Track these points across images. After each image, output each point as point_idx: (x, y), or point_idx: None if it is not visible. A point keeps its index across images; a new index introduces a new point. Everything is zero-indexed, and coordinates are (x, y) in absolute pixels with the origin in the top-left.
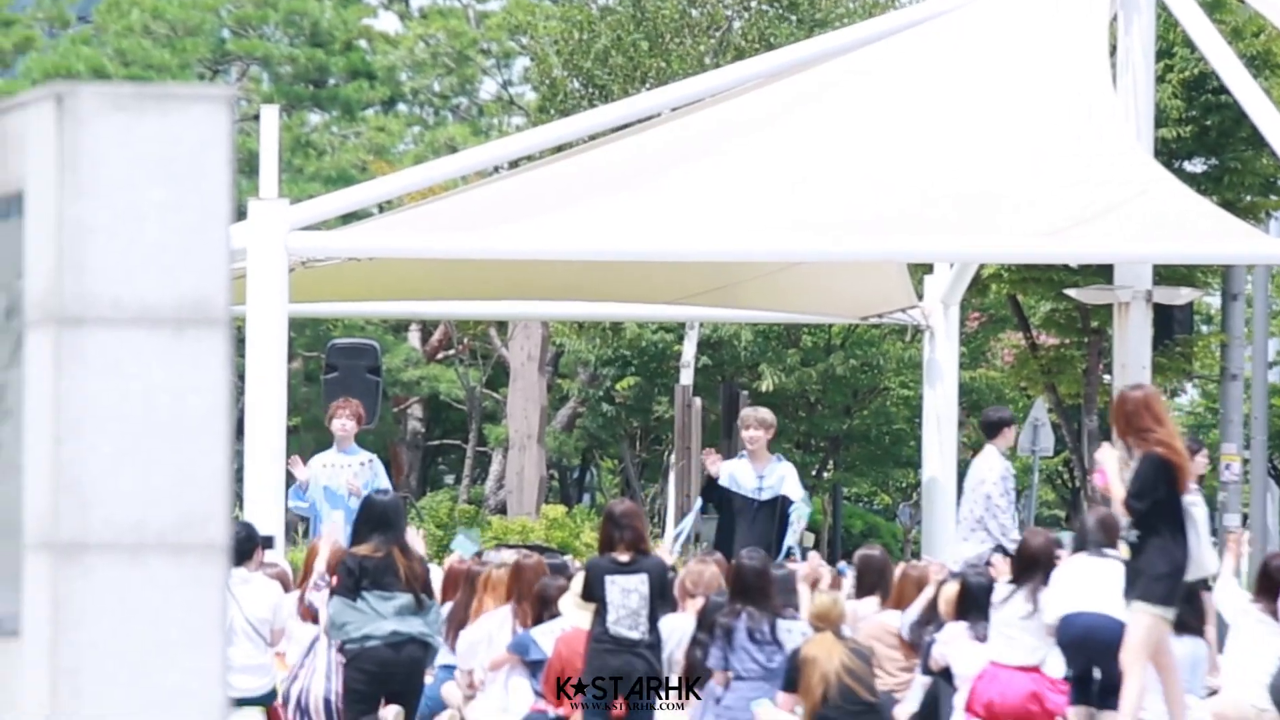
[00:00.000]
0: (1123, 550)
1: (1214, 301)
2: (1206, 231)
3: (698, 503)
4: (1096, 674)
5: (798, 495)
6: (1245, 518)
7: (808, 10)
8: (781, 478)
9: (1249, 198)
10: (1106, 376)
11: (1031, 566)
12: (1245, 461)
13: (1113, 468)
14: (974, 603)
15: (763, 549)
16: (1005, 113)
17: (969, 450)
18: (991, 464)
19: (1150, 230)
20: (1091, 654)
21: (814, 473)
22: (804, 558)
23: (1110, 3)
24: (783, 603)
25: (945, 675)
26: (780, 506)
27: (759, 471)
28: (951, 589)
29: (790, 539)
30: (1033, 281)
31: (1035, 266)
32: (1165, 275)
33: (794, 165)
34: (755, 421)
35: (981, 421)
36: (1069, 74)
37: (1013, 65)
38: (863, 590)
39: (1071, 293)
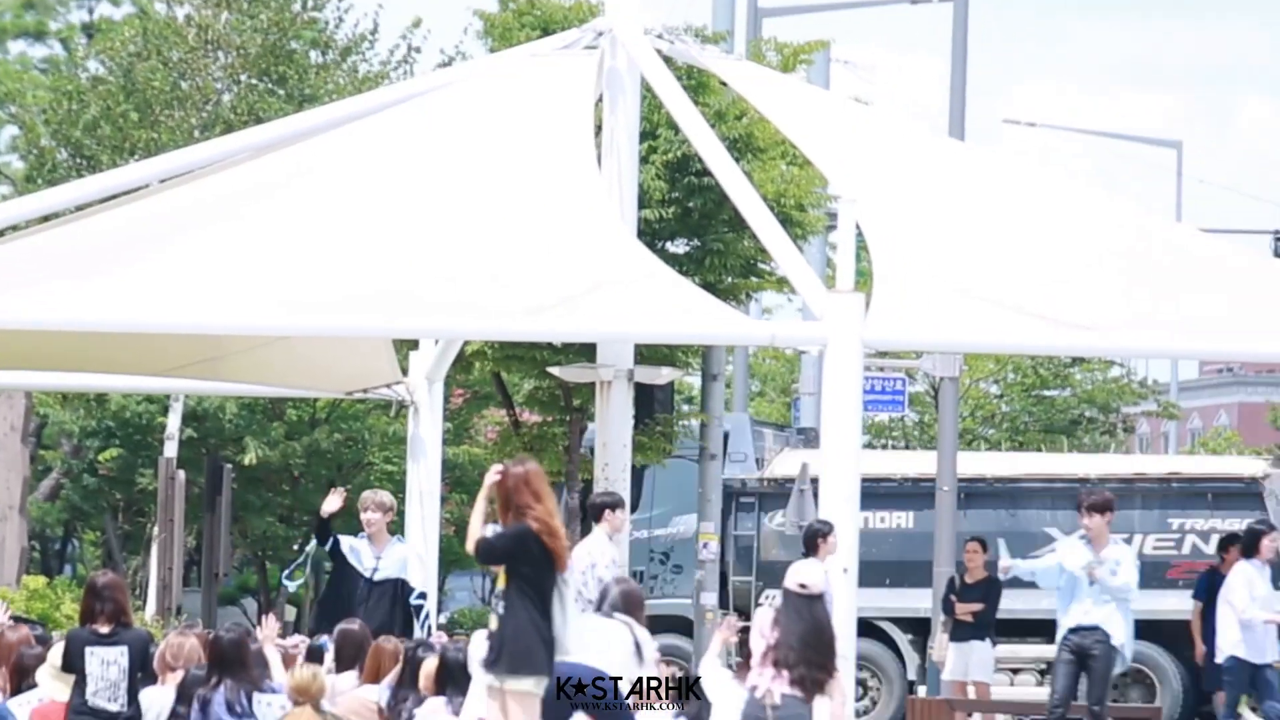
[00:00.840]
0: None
1: (695, 381)
2: (688, 312)
3: (312, 542)
4: None
5: (417, 582)
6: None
7: (296, 85)
8: (401, 561)
9: (730, 279)
10: (588, 454)
11: None
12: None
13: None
14: (451, 677)
15: (371, 629)
16: (492, 190)
17: (450, 525)
18: (603, 547)
19: (632, 310)
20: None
21: (296, 547)
22: None
23: (597, 83)
24: (260, 675)
25: None
26: (397, 591)
27: (376, 552)
28: (431, 663)
29: (419, 630)
30: (516, 359)
31: (519, 344)
32: (647, 355)
33: (281, 239)
34: (374, 504)
35: (588, 505)
36: (555, 153)
37: (501, 143)
38: (342, 664)
39: (554, 371)
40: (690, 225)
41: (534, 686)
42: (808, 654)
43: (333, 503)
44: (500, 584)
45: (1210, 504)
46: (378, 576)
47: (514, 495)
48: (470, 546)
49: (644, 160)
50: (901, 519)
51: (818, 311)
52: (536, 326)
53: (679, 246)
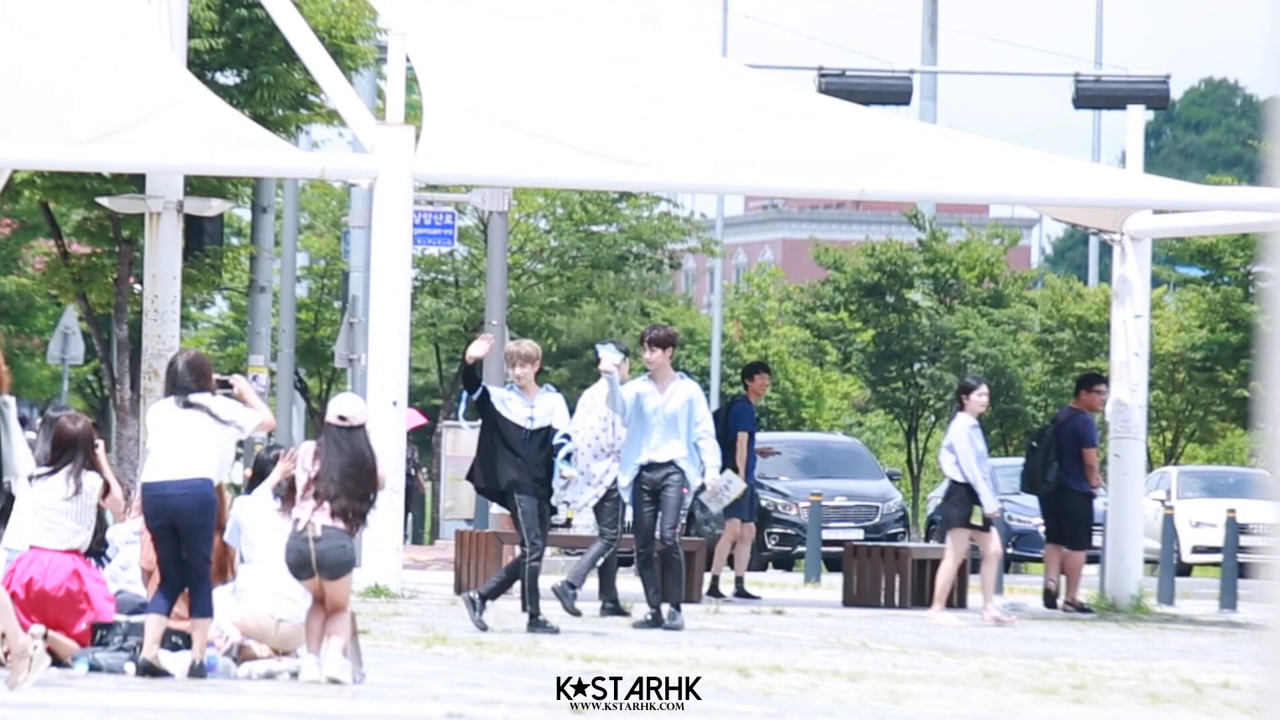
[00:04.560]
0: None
1: (244, 214)
2: (238, 144)
3: (464, 396)
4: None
5: (564, 426)
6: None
7: None
8: (550, 410)
9: (280, 111)
10: (138, 286)
11: (70, 448)
12: (273, 373)
13: None
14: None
15: (529, 476)
16: (42, 19)
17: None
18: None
19: (182, 141)
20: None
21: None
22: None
23: None
24: None
25: None
26: (547, 435)
27: (529, 402)
28: None
29: (559, 464)
30: (66, 189)
31: (68, 174)
32: (197, 186)
33: None
34: (520, 358)
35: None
36: None
37: None
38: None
39: (103, 201)
40: (240, 56)
41: None
42: (348, 485)
43: (480, 348)
44: None
45: None
46: (535, 425)
47: None
48: None
49: None
50: None
51: (368, 144)
52: (87, 156)
53: (229, 78)
